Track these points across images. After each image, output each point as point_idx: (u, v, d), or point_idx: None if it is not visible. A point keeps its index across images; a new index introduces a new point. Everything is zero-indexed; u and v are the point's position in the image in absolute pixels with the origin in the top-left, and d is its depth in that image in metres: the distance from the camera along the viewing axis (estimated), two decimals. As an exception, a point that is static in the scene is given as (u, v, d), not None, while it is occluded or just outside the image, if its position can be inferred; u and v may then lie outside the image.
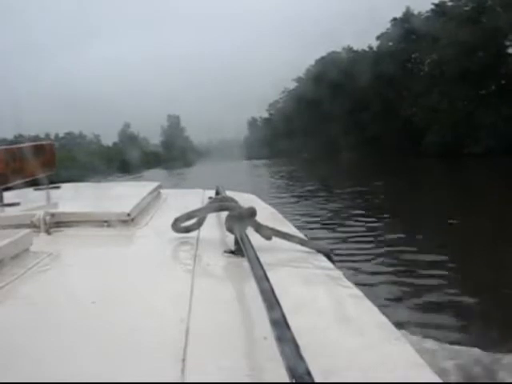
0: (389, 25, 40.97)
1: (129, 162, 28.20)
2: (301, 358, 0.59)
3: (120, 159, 30.69)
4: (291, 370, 0.57)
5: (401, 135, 35.75)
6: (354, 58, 42.12)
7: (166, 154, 48.84)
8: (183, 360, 0.73)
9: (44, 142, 2.64)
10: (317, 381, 0.56)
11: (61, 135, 50.58)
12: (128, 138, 50.84)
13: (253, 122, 60.66)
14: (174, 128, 57.85)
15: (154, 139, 55.50)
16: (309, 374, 0.56)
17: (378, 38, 41.72)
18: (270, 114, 57.74)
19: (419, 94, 35.47)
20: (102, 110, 49.74)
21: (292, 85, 51.94)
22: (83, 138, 54.64)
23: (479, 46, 30.56)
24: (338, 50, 45.32)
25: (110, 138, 52.29)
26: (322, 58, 45.95)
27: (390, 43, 40.28)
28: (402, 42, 38.95)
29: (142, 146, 46.56)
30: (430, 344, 3.96)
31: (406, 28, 37.99)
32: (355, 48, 44.94)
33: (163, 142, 55.92)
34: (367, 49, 43.65)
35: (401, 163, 26.52)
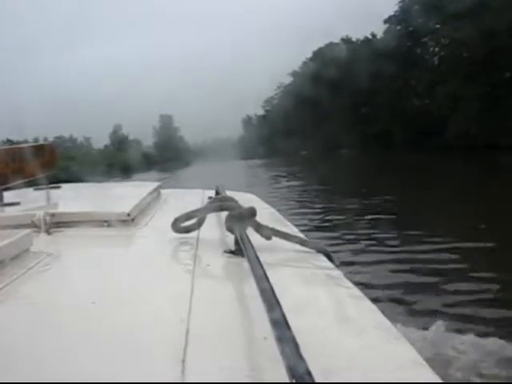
0: (394, 9, 37.37)
1: (117, 166, 26.78)
2: (301, 357, 0.59)
3: (107, 163, 29.62)
4: (291, 370, 0.57)
5: (411, 129, 32.89)
6: (354, 48, 39.99)
7: (158, 156, 47.55)
8: (183, 360, 0.73)
9: (44, 143, 2.65)
10: (317, 381, 0.56)
11: (50, 139, 48.82)
12: (119, 140, 49.43)
13: (248, 121, 58.85)
14: (166, 128, 56.53)
15: (148, 141, 54.26)
16: (309, 373, 0.56)
17: (385, 21, 38.62)
18: (266, 111, 55.73)
19: (434, 81, 32.61)
20: (94, 112, 49.15)
21: (287, 80, 50.10)
22: (74, 141, 52.62)
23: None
24: (336, 41, 43.25)
25: (102, 141, 51.36)
26: (320, 50, 43.90)
27: (398, 27, 36.97)
28: (412, 24, 35.22)
29: (135, 148, 45.49)
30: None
31: (416, 9, 34.31)
32: (354, 39, 42.94)
33: (156, 142, 54.66)
34: (370, 36, 41.29)
35: (419, 161, 22.88)
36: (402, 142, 32.24)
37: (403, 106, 35.45)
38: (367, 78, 33.27)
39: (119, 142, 48.18)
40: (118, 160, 32.79)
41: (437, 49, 37.28)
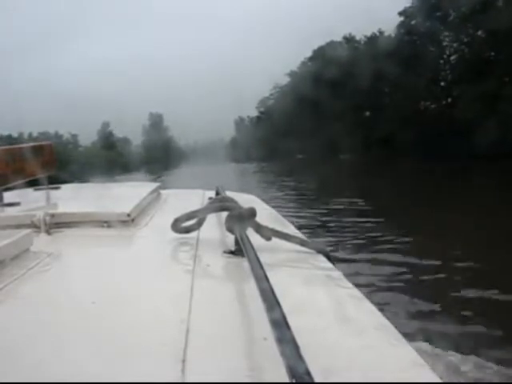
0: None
1: (98, 165, 25.50)
2: (301, 358, 0.59)
3: (87, 162, 28.38)
4: (291, 370, 0.57)
5: (424, 133, 29.59)
6: (358, 46, 38.06)
7: (146, 156, 45.97)
8: (183, 360, 0.73)
9: (43, 143, 2.65)
10: (317, 381, 0.56)
11: (35, 135, 44.76)
12: (106, 138, 47.70)
13: (240, 122, 56.72)
14: (156, 127, 54.71)
15: (137, 140, 52.87)
16: (309, 374, 0.56)
17: (400, 14, 35.49)
18: (260, 113, 53.26)
19: (453, 81, 29.98)
20: (93, 109, 48.51)
21: (284, 80, 48.02)
22: (59, 137, 49.27)
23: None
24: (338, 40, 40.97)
25: (92, 139, 49.79)
26: (321, 48, 41.69)
27: (413, 22, 34.01)
28: (428, 19, 32.26)
29: (123, 147, 44.00)
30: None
31: (434, 2, 30.78)
32: (358, 38, 40.73)
33: (144, 141, 53.06)
34: (377, 33, 38.76)
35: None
36: (413, 148, 29.10)
37: (414, 107, 32.69)
38: (372, 78, 30.97)
39: (104, 140, 46.55)
40: (101, 159, 31.67)
41: (455, 45, 34.30)
